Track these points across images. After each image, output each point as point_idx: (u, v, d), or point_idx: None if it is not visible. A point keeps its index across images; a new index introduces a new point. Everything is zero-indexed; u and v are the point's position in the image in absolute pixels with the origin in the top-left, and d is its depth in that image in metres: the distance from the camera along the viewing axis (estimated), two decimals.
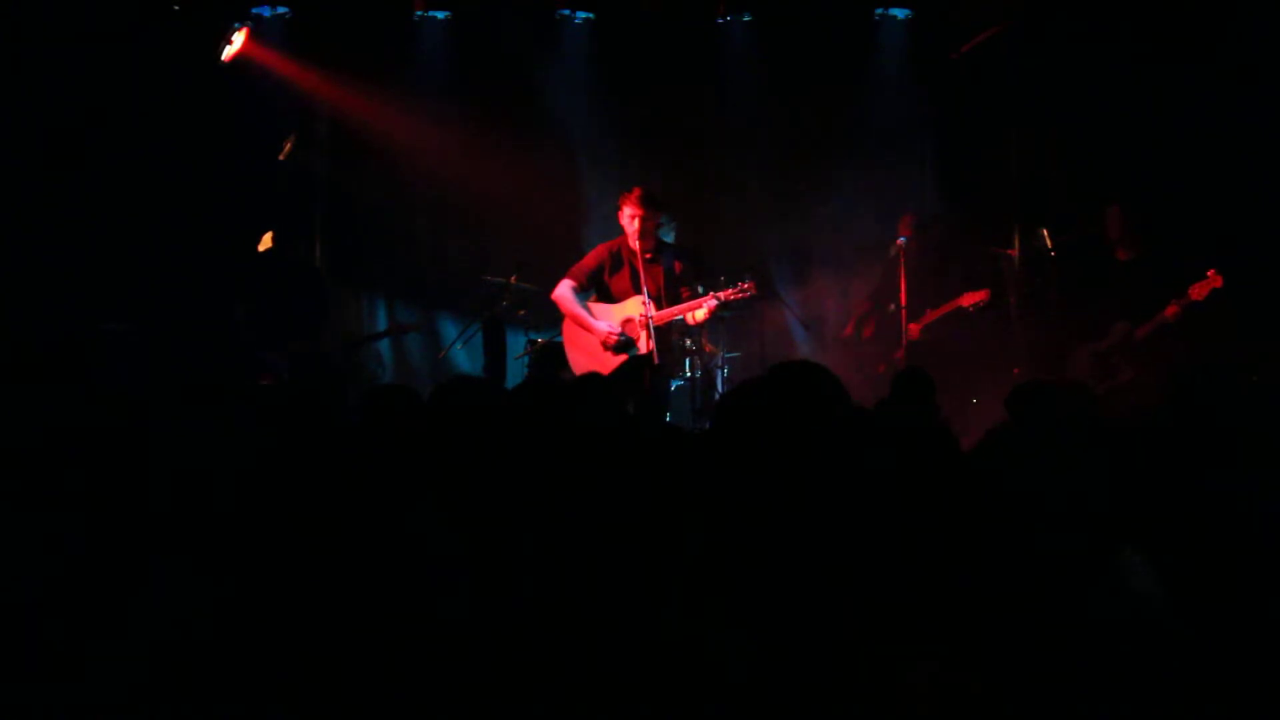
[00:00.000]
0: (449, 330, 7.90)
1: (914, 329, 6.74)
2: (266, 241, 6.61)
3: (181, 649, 1.98)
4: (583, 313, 6.24)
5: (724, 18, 7.92)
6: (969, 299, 6.65)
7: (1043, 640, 1.79)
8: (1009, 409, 3.49)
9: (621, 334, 6.14)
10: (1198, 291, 5.77)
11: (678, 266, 6.25)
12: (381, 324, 8.06)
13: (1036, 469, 1.98)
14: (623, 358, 6.12)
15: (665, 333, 6.17)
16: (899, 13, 7.94)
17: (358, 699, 1.97)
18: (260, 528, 2.22)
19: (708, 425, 6.08)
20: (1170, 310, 5.87)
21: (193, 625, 2.01)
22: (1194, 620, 1.87)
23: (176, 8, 7.00)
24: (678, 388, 6.46)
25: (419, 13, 7.79)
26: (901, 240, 6.70)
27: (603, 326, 6.17)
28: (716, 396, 6.55)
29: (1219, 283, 5.73)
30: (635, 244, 6.16)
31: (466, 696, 1.97)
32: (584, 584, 2.09)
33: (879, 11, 7.95)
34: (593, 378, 3.76)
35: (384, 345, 7.97)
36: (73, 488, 2.25)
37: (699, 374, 6.38)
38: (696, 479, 2.28)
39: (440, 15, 7.83)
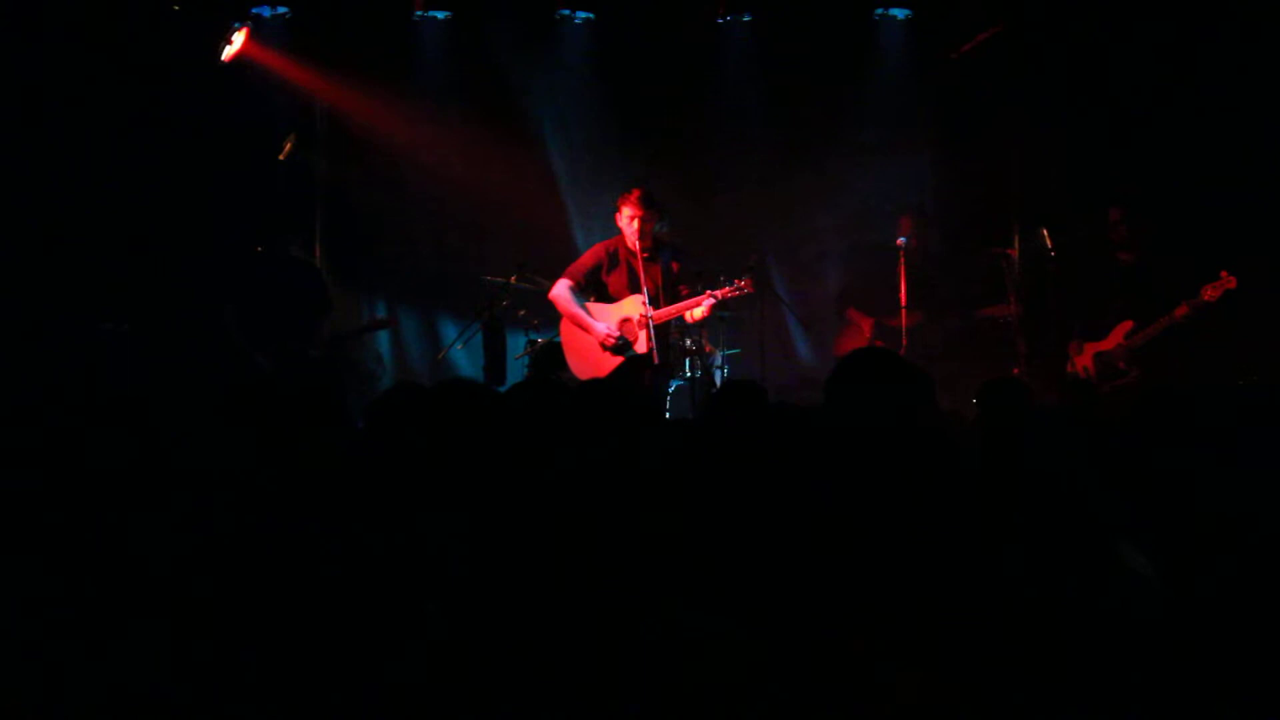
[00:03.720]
0: (449, 330, 7.89)
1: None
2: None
3: (177, 648, 1.97)
4: (580, 313, 6.22)
5: (724, 18, 7.91)
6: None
7: (1036, 641, 1.79)
8: (979, 402, 3.50)
9: (620, 335, 6.13)
10: (1210, 293, 5.77)
11: (675, 266, 6.25)
12: None
13: (1033, 464, 1.97)
14: (621, 358, 6.11)
15: (664, 332, 6.17)
16: (899, 13, 7.94)
17: (358, 701, 1.97)
18: (255, 527, 2.22)
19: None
20: (1180, 311, 5.86)
21: (188, 625, 2.01)
22: (1193, 619, 1.86)
23: (176, 8, 7.00)
24: (677, 388, 6.46)
25: (419, 13, 7.79)
26: (902, 240, 6.69)
27: (601, 327, 6.15)
28: None
29: (1233, 284, 5.73)
30: (634, 244, 6.16)
31: (466, 697, 1.97)
32: (583, 583, 2.09)
33: (879, 11, 7.95)
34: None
35: (384, 345, 7.96)
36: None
37: (699, 374, 6.37)
38: (696, 475, 2.28)
39: (440, 15, 7.84)
